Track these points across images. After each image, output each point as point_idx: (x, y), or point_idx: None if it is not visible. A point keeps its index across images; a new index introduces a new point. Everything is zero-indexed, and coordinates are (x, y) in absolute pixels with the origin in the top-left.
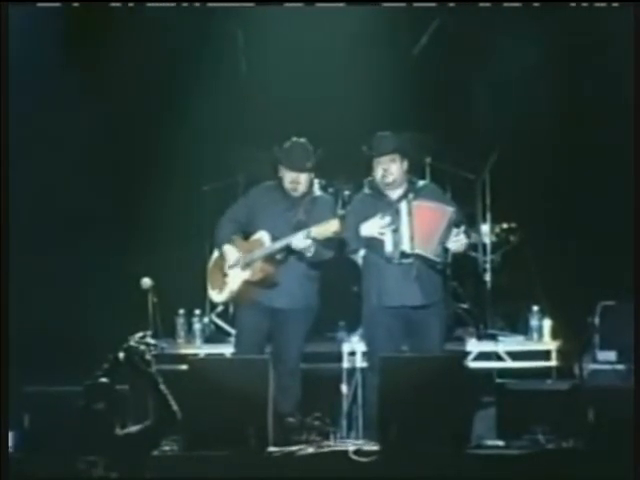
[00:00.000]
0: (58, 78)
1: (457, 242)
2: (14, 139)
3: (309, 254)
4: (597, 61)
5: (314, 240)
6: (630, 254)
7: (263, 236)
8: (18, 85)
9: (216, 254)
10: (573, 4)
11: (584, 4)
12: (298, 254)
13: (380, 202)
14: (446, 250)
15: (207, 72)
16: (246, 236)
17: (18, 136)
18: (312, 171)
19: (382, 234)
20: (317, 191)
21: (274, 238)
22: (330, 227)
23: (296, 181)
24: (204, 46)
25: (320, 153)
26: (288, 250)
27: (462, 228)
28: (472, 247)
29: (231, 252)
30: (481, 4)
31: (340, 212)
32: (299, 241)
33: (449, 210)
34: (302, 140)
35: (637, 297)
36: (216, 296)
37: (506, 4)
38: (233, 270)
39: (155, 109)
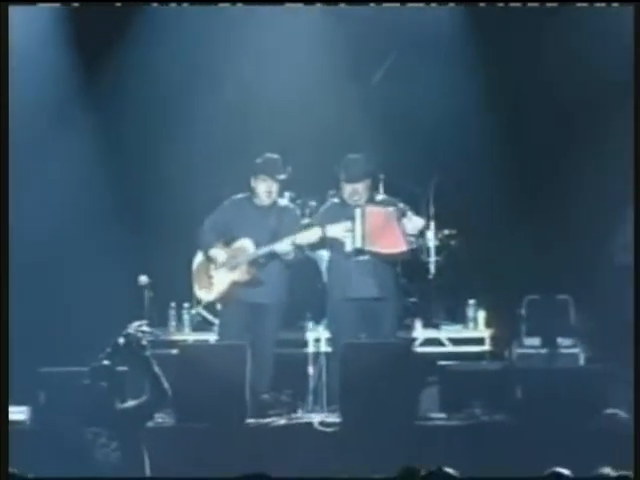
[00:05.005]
0: (56, 79)
1: (413, 226)
2: (13, 139)
3: (289, 257)
4: (597, 61)
5: (296, 245)
6: (553, 255)
7: (246, 242)
8: (19, 85)
9: (200, 257)
10: (573, 4)
11: (584, 4)
12: (279, 257)
13: (344, 209)
14: (417, 236)
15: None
16: (226, 243)
17: (18, 137)
18: (283, 182)
19: (345, 237)
20: (281, 201)
21: (256, 244)
22: (314, 234)
23: (270, 190)
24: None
25: (289, 170)
26: (271, 254)
27: (409, 215)
28: (419, 250)
29: (220, 254)
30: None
31: (306, 221)
32: (284, 247)
33: (390, 210)
34: (276, 156)
35: (637, 296)
36: (205, 295)
37: (501, 4)
38: (219, 272)
39: (157, 110)
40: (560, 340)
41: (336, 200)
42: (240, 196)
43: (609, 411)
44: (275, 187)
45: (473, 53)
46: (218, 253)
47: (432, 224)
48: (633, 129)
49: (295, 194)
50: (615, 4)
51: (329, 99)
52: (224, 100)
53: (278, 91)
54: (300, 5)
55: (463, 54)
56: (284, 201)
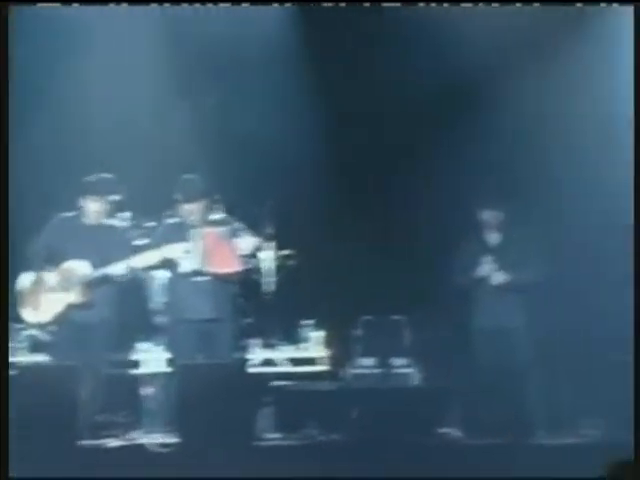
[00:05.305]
0: None
1: (246, 246)
2: None
3: (122, 279)
4: (597, 62)
5: (132, 268)
6: (389, 276)
7: (76, 264)
8: None
9: (29, 278)
10: (573, 4)
11: (584, 4)
12: (112, 278)
13: (180, 230)
14: (251, 256)
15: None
16: (56, 264)
17: None
18: (117, 202)
19: (182, 257)
20: (112, 221)
21: (86, 264)
22: (152, 258)
23: (100, 210)
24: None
25: (123, 189)
26: (105, 276)
27: (242, 234)
28: (256, 270)
29: (50, 276)
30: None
31: (142, 241)
32: (119, 270)
33: (223, 229)
34: (108, 175)
35: (637, 299)
36: (35, 317)
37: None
38: (51, 294)
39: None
40: (394, 360)
41: (172, 220)
42: (69, 215)
43: (443, 430)
44: (106, 207)
45: (306, 60)
46: (48, 275)
47: (270, 243)
48: (633, 130)
49: (131, 214)
50: (615, 4)
51: (165, 118)
52: (62, 115)
53: (114, 109)
54: (139, 18)
55: (297, 64)
56: (114, 221)
